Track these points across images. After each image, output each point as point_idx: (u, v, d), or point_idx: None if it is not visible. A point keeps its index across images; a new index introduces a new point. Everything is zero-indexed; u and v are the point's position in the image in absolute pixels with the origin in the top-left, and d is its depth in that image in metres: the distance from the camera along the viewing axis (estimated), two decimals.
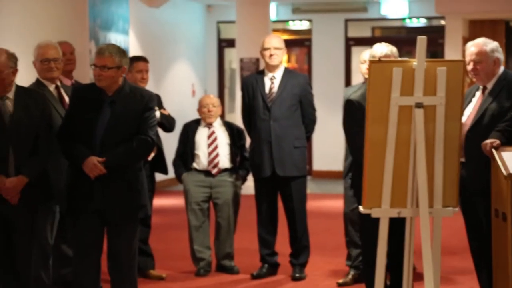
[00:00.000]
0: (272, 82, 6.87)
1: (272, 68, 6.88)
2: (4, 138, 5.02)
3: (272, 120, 6.80)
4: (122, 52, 5.14)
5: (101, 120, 5.10)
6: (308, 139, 7.01)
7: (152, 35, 12.65)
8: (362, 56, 6.68)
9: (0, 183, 4.98)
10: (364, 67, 6.60)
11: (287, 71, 6.99)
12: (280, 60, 6.89)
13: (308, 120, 6.91)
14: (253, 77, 7.02)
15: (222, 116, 7.42)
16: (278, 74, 6.89)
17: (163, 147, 6.83)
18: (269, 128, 6.79)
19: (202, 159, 7.02)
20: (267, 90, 6.86)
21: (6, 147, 5.03)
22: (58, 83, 5.84)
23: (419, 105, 4.68)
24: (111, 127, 5.09)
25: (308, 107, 6.90)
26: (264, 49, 6.85)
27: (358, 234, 6.74)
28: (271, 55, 6.83)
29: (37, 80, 5.80)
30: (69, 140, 5.14)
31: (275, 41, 6.88)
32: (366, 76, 6.59)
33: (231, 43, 13.89)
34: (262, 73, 6.97)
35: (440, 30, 13.36)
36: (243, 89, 7.00)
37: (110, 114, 5.11)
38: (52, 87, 5.78)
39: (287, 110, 6.81)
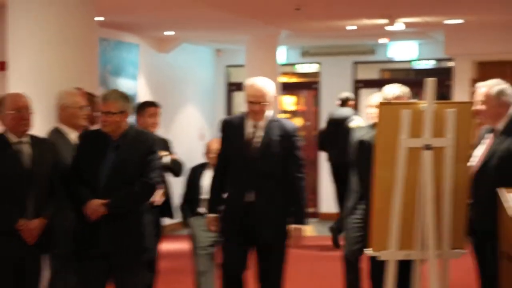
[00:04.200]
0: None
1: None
2: (24, 182, 5.07)
3: None
4: (125, 97, 5.25)
5: (106, 164, 5.18)
6: None
7: (161, 79, 12.69)
8: (371, 100, 6.64)
9: (23, 225, 5.04)
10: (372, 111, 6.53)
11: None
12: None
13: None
14: None
15: None
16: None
17: (170, 192, 6.79)
18: None
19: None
20: None
21: (25, 191, 5.07)
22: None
23: (428, 147, 4.66)
24: (114, 171, 5.17)
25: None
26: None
27: (351, 275, 6.66)
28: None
29: (56, 128, 5.79)
30: (74, 184, 5.21)
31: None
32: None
33: (239, 86, 13.93)
34: None
35: (448, 71, 13.35)
36: None
37: (114, 158, 5.19)
38: (73, 135, 5.76)
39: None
